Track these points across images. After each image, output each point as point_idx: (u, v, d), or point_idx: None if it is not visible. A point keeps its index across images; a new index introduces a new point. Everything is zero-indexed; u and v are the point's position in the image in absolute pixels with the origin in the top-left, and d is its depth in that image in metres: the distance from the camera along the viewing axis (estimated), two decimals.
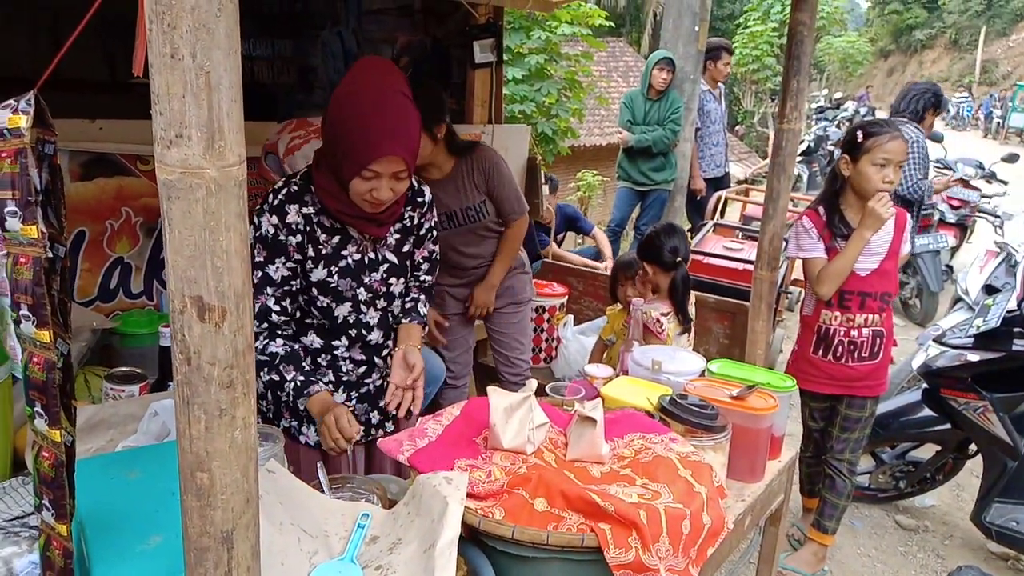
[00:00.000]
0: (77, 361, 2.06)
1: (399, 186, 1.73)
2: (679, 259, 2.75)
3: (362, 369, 1.98)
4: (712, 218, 5.94)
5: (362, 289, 1.87)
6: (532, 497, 1.32)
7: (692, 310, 2.85)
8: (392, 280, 1.93)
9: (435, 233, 2.06)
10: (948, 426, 3.12)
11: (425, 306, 2.09)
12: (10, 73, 2.21)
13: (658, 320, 2.62)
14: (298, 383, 1.79)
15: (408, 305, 2.04)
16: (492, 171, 2.78)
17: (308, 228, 1.78)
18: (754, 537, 2.81)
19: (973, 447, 3.19)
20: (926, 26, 35.38)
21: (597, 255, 5.41)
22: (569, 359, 3.55)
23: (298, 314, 1.88)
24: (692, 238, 5.56)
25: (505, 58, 5.12)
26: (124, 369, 1.95)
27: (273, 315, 1.80)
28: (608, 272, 4.01)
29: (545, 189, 5.09)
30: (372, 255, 1.88)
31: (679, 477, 1.42)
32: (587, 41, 8.05)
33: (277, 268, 1.77)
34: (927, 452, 3.41)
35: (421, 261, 2.05)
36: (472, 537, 1.32)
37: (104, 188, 2.44)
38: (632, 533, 1.24)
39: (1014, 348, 2.83)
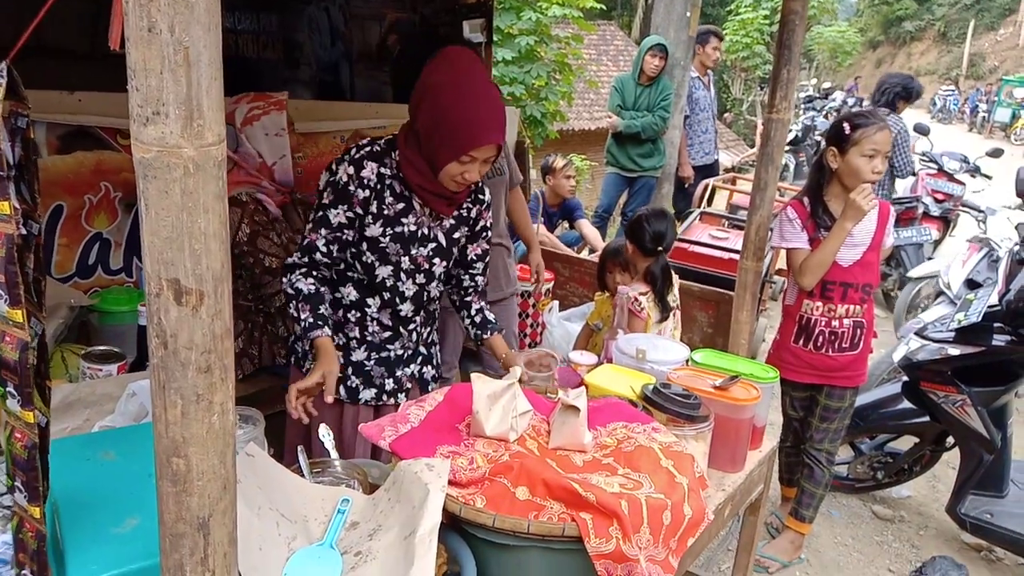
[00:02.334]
0: (54, 338, 2.03)
1: (485, 168, 1.87)
2: (660, 248, 2.75)
3: (387, 334, 2.05)
4: (699, 206, 5.94)
5: (406, 259, 1.96)
6: (514, 485, 1.32)
7: (675, 293, 2.85)
8: (436, 260, 2.02)
9: (490, 233, 2.15)
10: (927, 419, 3.15)
11: (491, 312, 2.19)
12: None
13: (636, 299, 2.62)
14: (307, 324, 1.88)
15: (478, 319, 2.14)
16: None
17: (379, 186, 1.90)
18: (732, 525, 2.84)
19: (951, 440, 3.22)
20: (916, 18, 35.45)
21: (578, 240, 5.39)
22: (554, 345, 3.54)
23: (342, 265, 1.99)
24: (679, 226, 5.57)
25: (495, 39, 5.06)
26: (102, 348, 1.92)
27: (317, 253, 1.92)
28: (595, 259, 4.01)
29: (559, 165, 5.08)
30: (425, 231, 1.98)
31: (661, 467, 1.42)
32: (577, 23, 7.97)
33: (337, 213, 1.88)
34: (905, 444, 3.44)
35: (475, 258, 2.14)
36: (453, 524, 1.32)
37: (83, 162, 2.39)
38: (613, 523, 1.24)
39: (994, 343, 2.85)
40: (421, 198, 1.92)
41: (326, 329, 1.88)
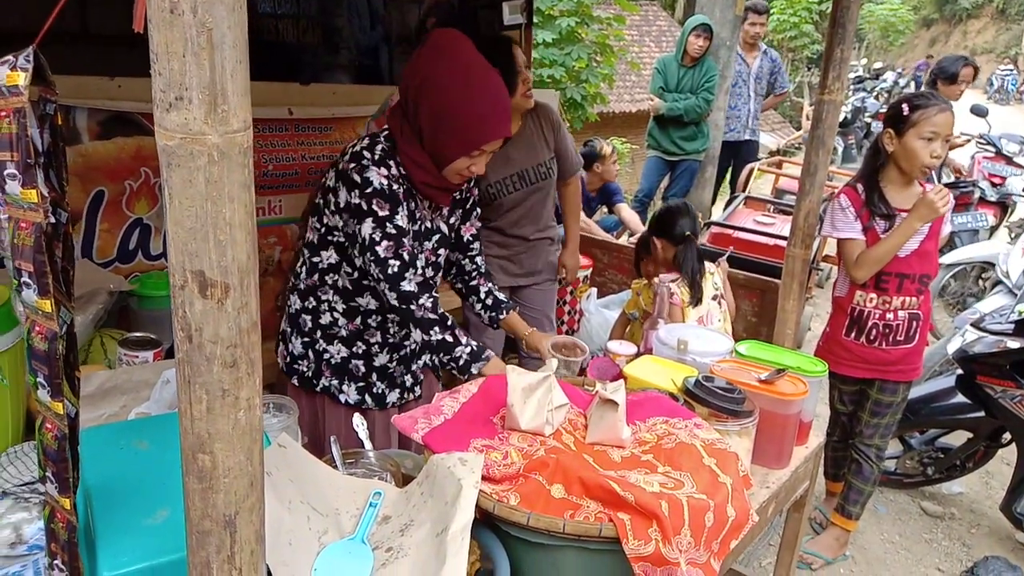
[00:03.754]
0: (94, 323, 2.05)
1: (488, 158, 1.83)
2: (687, 232, 2.74)
3: (404, 331, 2.02)
4: (743, 190, 5.79)
5: (421, 256, 1.91)
6: (549, 483, 1.27)
7: (717, 280, 2.78)
8: (441, 251, 1.98)
9: (479, 210, 2.10)
10: (982, 413, 3.02)
11: (501, 292, 2.12)
12: (28, 28, 2.16)
13: (668, 288, 2.56)
14: (474, 347, 1.79)
15: (490, 301, 2.08)
16: (558, 124, 2.82)
17: (403, 184, 1.82)
18: (775, 520, 2.77)
19: (1007, 436, 3.09)
20: None
21: (617, 225, 5.31)
22: (591, 332, 3.49)
23: (356, 274, 1.90)
24: (725, 208, 5.44)
25: (535, 20, 4.98)
26: (138, 335, 1.93)
27: (419, 266, 1.85)
28: (634, 243, 3.93)
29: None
30: (428, 224, 1.93)
31: (703, 466, 1.36)
32: (620, 4, 7.82)
33: (402, 216, 1.78)
34: (957, 438, 3.31)
35: (471, 239, 2.08)
36: (486, 520, 1.28)
37: (123, 147, 2.39)
38: (653, 524, 1.19)
39: None
40: (424, 194, 1.85)
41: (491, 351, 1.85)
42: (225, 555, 0.89)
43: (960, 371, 3.08)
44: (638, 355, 2.07)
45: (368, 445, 1.58)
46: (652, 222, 2.89)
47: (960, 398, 3.09)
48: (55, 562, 1.06)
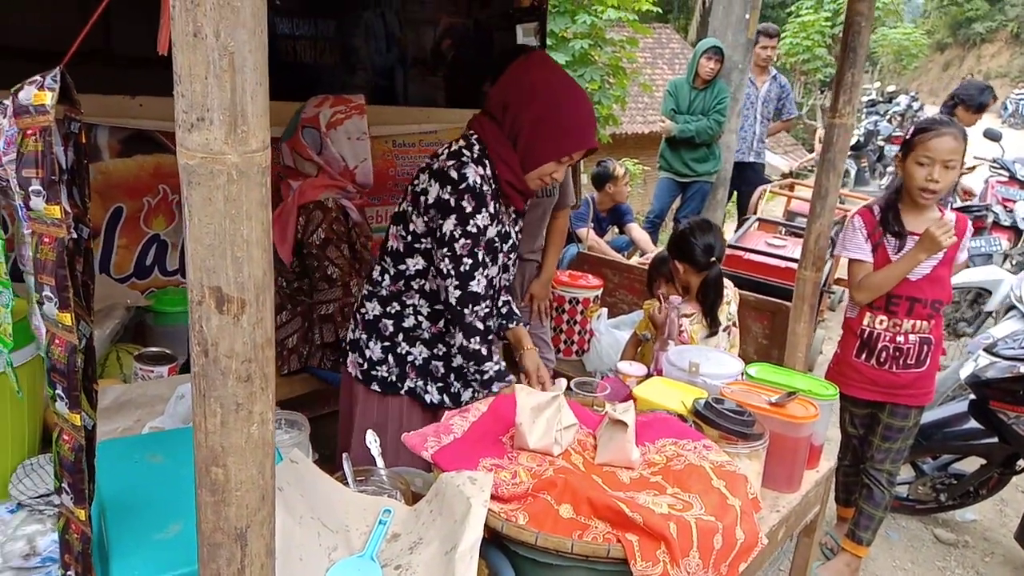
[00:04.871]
0: (111, 338, 2.07)
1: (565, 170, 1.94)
2: (712, 259, 2.60)
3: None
4: (754, 212, 5.79)
5: (501, 256, 1.98)
6: (558, 503, 1.28)
7: (732, 310, 2.75)
8: (512, 255, 2.05)
9: (520, 223, 2.17)
10: (995, 439, 2.99)
11: (514, 304, 2.21)
12: (58, 48, 2.20)
13: (679, 320, 2.51)
14: (501, 367, 1.89)
15: (504, 310, 2.14)
16: None
17: (491, 186, 1.87)
18: (786, 545, 2.74)
19: (1021, 463, 3.05)
20: (987, 19, 34.01)
21: (628, 245, 5.32)
22: (601, 353, 3.48)
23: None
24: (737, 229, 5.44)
25: (549, 43, 5.03)
26: (154, 349, 1.95)
27: (498, 267, 1.95)
28: (645, 262, 3.93)
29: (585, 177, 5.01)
30: (505, 228, 1.99)
31: (712, 488, 1.36)
32: (633, 27, 7.89)
33: (483, 217, 1.84)
34: (970, 465, 3.27)
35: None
36: (495, 539, 1.29)
37: (142, 165, 2.44)
38: (661, 546, 1.19)
39: None
40: (506, 194, 1.92)
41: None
42: (236, 568, 0.90)
43: (973, 396, 3.06)
44: (648, 376, 2.07)
45: (380, 463, 1.59)
46: (672, 243, 2.74)
47: (973, 424, 3.06)
48: (68, 573, 1.07)
